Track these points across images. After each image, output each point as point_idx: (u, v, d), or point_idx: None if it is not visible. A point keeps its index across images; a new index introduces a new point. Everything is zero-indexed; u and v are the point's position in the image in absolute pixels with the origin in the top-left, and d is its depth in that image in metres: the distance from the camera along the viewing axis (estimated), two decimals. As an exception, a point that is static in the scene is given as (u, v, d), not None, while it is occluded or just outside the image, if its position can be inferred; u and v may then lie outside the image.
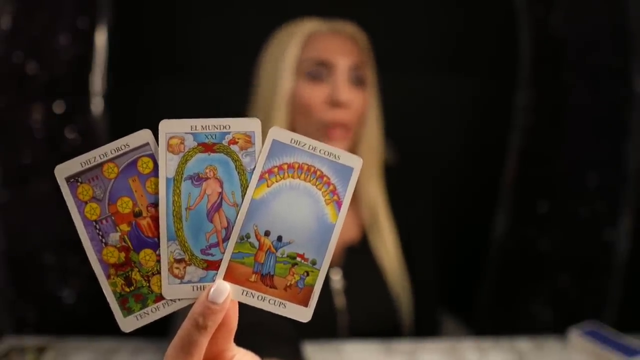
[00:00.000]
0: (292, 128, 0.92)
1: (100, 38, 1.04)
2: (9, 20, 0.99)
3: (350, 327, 0.91)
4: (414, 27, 1.26)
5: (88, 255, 0.39)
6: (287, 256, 0.40)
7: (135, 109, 1.19)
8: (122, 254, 0.39)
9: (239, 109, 1.00)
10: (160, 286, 0.39)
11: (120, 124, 1.06)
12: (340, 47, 0.91)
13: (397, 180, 1.02)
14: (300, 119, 0.91)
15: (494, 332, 0.96)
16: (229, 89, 1.14)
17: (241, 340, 0.74)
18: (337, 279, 0.93)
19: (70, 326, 1.00)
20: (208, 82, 1.25)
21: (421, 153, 1.25)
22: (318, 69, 0.90)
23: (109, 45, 1.05)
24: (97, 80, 1.04)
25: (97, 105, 1.04)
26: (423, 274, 1.01)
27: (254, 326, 0.74)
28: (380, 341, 0.91)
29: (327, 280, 0.91)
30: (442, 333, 1.10)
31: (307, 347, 0.83)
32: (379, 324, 0.94)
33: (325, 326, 0.90)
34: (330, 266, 0.92)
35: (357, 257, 0.95)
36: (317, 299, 0.40)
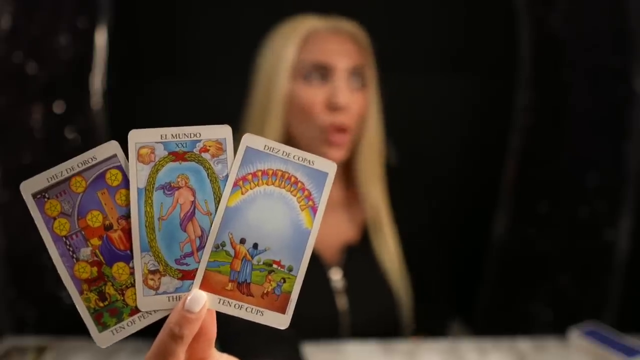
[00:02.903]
0: (288, 131, 0.91)
1: (100, 38, 1.04)
2: (9, 20, 0.99)
3: (352, 326, 0.91)
4: (414, 27, 1.26)
5: (59, 271, 0.38)
6: (264, 263, 0.40)
7: (134, 109, 1.19)
8: (95, 269, 0.38)
9: (238, 109, 0.99)
10: (135, 299, 0.38)
11: (119, 124, 1.07)
12: (340, 48, 0.89)
13: (395, 180, 1.02)
14: (297, 122, 0.90)
15: (494, 332, 0.96)
16: (228, 90, 1.14)
17: (240, 341, 0.74)
18: (337, 279, 0.93)
19: (70, 326, 1.00)
20: (207, 83, 1.25)
21: (421, 153, 1.26)
22: (317, 71, 0.88)
23: (109, 45, 1.05)
24: (97, 80, 1.04)
25: (96, 105, 1.04)
26: (431, 274, 1.02)
27: (253, 327, 0.74)
28: (380, 341, 0.91)
29: (327, 280, 0.92)
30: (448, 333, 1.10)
31: (307, 348, 0.83)
32: (381, 322, 0.95)
33: (328, 326, 0.90)
34: (331, 266, 0.93)
35: (357, 256, 0.95)
36: (294, 306, 0.40)
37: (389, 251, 0.96)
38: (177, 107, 1.23)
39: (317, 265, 0.91)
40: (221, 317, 0.79)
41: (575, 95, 1.11)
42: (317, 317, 0.89)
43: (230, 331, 0.76)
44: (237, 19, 1.24)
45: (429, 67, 1.30)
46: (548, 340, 0.93)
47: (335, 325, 0.90)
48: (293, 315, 0.40)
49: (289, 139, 0.92)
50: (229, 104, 1.01)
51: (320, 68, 0.88)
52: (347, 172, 0.99)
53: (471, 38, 1.28)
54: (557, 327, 0.96)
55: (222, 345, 0.78)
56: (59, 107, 1.03)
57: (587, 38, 1.10)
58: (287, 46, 0.89)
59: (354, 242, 0.96)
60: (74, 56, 1.03)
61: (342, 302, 0.91)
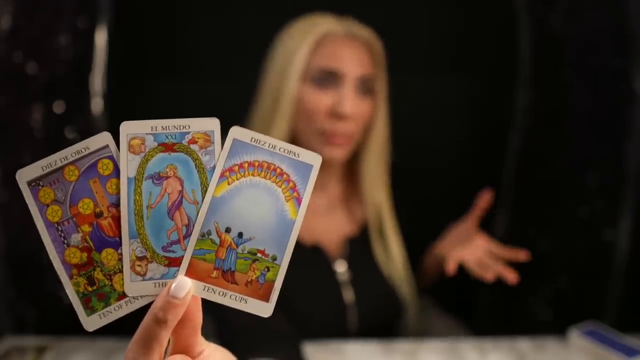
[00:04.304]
0: (293, 130, 0.91)
1: (100, 38, 1.04)
2: (9, 20, 0.99)
3: (359, 317, 0.92)
4: (414, 27, 1.26)
5: (50, 256, 0.39)
6: (248, 252, 0.40)
7: (135, 109, 1.19)
8: (84, 254, 0.40)
9: (238, 109, 1.00)
10: (123, 284, 0.40)
11: (119, 124, 1.06)
12: (353, 55, 0.89)
13: (395, 180, 1.02)
14: (302, 123, 0.90)
15: (494, 332, 0.96)
16: (228, 89, 1.14)
17: (240, 339, 0.74)
18: (342, 271, 0.93)
19: (70, 326, 1.00)
20: (208, 82, 1.25)
21: (421, 153, 1.26)
22: (326, 76, 0.88)
23: (109, 45, 1.05)
24: (97, 80, 1.04)
25: (97, 105, 1.04)
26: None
27: (253, 325, 0.75)
28: (380, 341, 0.91)
29: (333, 273, 0.92)
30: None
31: (307, 347, 0.83)
32: (386, 313, 0.96)
33: (336, 318, 0.91)
34: (335, 259, 0.93)
35: (359, 249, 0.96)
36: (278, 294, 0.41)
37: (391, 252, 0.96)
38: (177, 108, 1.24)
39: (323, 258, 0.92)
40: (223, 315, 0.78)
41: (575, 95, 1.11)
42: (325, 311, 0.90)
43: (231, 329, 0.77)
44: (237, 19, 1.24)
45: (428, 68, 1.30)
46: (548, 340, 0.93)
47: (342, 318, 0.91)
48: (301, 309, 0.41)
49: (294, 139, 0.92)
50: (230, 104, 1.01)
51: (329, 74, 0.88)
52: (347, 170, 1.00)
53: (471, 38, 1.28)
54: (557, 327, 0.96)
55: (223, 342, 0.79)
56: (59, 107, 1.03)
57: (587, 38, 1.10)
58: (301, 47, 0.88)
59: (355, 235, 0.98)
60: (74, 56, 1.03)
61: (348, 294, 0.92)
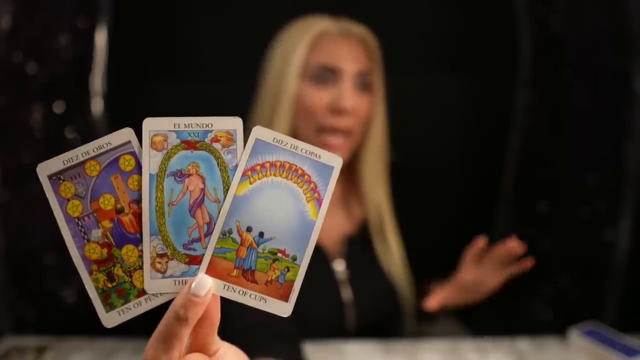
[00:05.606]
0: (294, 129, 0.92)
1: (100, 38, 1.04)
2: (9, 20, 0.99)
3: (357, 315, 0.92)
4: (414, 26, 1.26)
5: (70, 252, 0.39)
6: (269, 252, 0.41)
7: (135, 109, 1.19)
8: (105, 250, 0.40)
9: (238, 109, 0.99)
10: (143, 281, 0.40)
11: (120, 124, 1.06)
12: (349, 51, 0.90)
13: (395, 180, 1.02)
14: (302, 122, 0.91)
15: (494, 332, 0.96)
16: (228, 89, 1.14)
17: (242, 339, 0.74)
18: (341, 270, 0.93)
19: (70, 326, 1.01)
20: (208, 82, 1.25)
21: (421, 153, 1.26)
22: (324, 73, 0.89)
23: (109, 45, 1.05)
24: (97, 80, 1.04)
25: (96, 105, 1.04)
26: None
27: (255, 326, 0.75)
28: (380, 341, 0.91)
29: (332, 272, 0.92)
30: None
31: (307, 347, 0.83)
32: (384, 312, 0.96)
33: (334, 317, 0.91)
34: (334, 258, 0.93)
35: (357, 248, 0.97)
36: (297, 294, 0.41)
37: (391, 251, 0.96)
38: (177, 108, 1.23)
39: (321, 257, 0.92)
40: (225, 315, 0.79)
41: (575, 95, 1.11)
42: (323, 309, 0.90)
43: (233, 329, 0.77)
44: (238, 19, 1.24)
45: (428, 67, 1.30)
46: (548, 340, 0.93)
47: (341, 316, 0.91)
48: (300, 307, 0.41)
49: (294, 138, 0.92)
50: (230, 104, 1.02)
51: (327, 70, 0.89)
52: (346, 169, 1.00)
53: (471, 38, 1.28)
54: (557, 327, 0.96)
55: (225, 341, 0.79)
56: (59, 107, 1.03)
57: (587, 38, 1.10)
58: (298, 47, 0.89)
59: (353, 234, 0.98)
60: (74, 56, 1.03)
61: (346, 293, 0.92)
